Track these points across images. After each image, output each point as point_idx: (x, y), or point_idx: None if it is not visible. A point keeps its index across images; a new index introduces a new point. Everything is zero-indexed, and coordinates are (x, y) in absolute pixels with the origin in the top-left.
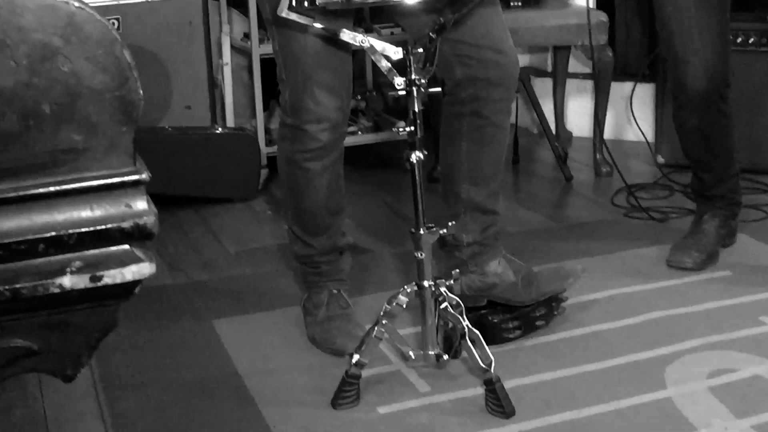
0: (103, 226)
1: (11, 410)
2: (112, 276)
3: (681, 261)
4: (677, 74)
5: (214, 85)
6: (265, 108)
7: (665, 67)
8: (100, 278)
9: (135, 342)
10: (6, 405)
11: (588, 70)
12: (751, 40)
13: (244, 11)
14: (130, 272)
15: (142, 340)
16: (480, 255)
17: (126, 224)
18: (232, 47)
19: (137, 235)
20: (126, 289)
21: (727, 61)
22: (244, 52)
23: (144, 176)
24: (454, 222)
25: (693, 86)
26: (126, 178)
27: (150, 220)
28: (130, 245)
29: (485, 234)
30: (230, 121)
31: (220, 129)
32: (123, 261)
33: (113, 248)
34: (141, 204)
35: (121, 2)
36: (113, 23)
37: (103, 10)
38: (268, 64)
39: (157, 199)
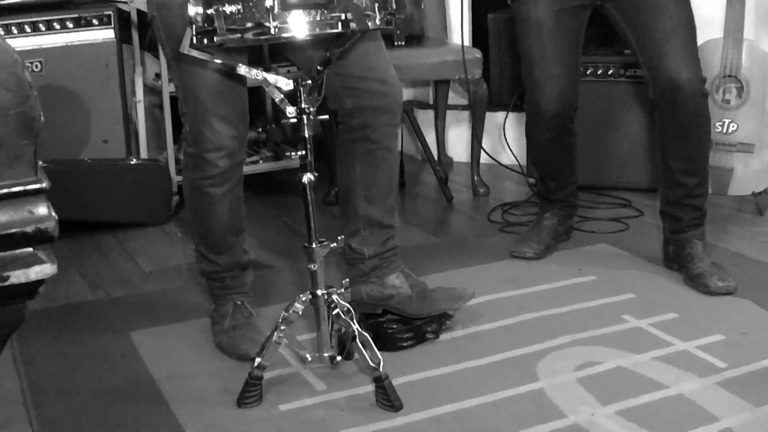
0: (8, 231)
1: None
2: (18, 276)
3: (522, 251)
4: (533, 97)
5: (128, 121)
6: (175, 141)
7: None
8: (6, 278)
9: (61, 352)
10: None
11: (465, 101)
12: (609, 72)
13: (156, 54)
14: (34, 272)
15: (67, 351)
16: (381, 268)
17: (29, 229)
18: (145, 86)
19: (39, 239)
20: (31, 288)
21: (577, 88)
22: (155, 90)
23: (44, 185)
24: (344, 236)
25: (546, 108)
26: (28, 187)
27: (51, 225)
28: (33, 248)
29: (385, 246)
30: (144, 153)
31: (134, 160)
32: (27, 262)
33: (17, 251)
34: (42, 210)
35: (44, 46)
36: (36, 65)
37: (27, 53)
38: (177, 101)
39: (78, 225)
